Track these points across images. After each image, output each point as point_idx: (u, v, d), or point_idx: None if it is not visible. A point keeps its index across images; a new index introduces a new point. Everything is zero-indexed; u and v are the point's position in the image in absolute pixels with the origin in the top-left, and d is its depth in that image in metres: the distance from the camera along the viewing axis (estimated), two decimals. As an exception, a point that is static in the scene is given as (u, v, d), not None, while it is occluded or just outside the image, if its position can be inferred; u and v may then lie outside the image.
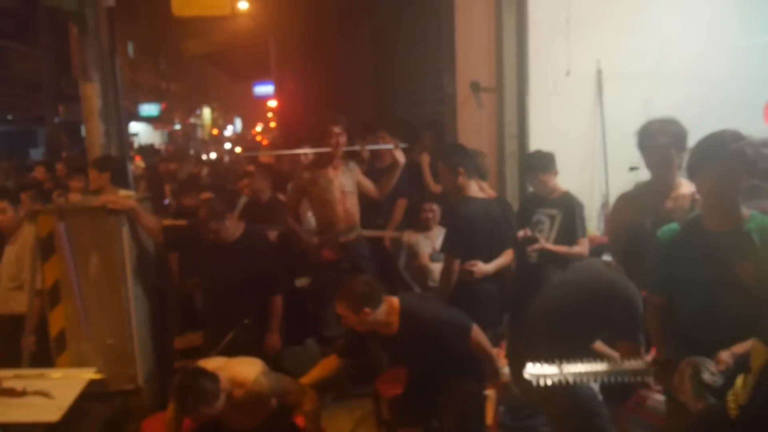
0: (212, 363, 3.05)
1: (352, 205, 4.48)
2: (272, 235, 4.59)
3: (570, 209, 4.00)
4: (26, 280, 4.32)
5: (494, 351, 3.25)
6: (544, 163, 4.06)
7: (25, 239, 4.34)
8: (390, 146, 4.65)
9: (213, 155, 20.63)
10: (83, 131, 5.18)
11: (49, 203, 4.65)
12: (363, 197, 4.59)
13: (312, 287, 4.70)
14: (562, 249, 3.92)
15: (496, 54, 4.96)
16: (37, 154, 19.51)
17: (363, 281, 3.07)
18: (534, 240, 3.91)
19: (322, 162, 4.47)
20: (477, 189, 3.79)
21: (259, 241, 4.01)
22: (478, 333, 3.11)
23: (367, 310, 2.94)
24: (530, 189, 4.52)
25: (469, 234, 3.60)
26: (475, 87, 5.19)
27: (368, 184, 4.63)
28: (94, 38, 4.62)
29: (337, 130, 4.33)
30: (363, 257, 4.51)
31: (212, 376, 2.82)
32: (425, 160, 5.25)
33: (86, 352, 3.84)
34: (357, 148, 4.77)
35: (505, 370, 3.16)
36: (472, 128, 5.32)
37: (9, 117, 21.46)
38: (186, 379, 2.85)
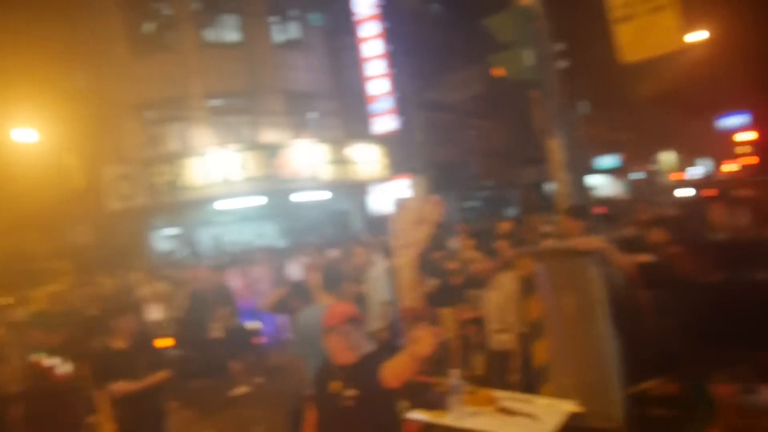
0: None
1: None
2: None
3: None
4: (510, 323, 4.99)
5: None
6: None
7: (504, 285, 5.04)
8: None
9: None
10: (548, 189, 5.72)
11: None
12: None
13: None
14: None
15: None
16: (511, 212, 22.26)
17: None
18: None
19: None
20: None
21: (743, 284, 3.60)
22: None
23: None
24: None
25: None
26: None
27: None
28: (553, 99, 5.13)
29: None
30: None
31: None
32: None
33: (566, 385, 4.12)
34: None
35: None
36: None
37: (489, 183, 25.25)
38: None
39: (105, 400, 4.42)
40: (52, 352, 7.63)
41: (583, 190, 5.17)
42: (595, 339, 3.94)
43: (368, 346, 3.12)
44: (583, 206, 5.13)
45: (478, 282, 5.46)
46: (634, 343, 4.20)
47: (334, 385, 3.06)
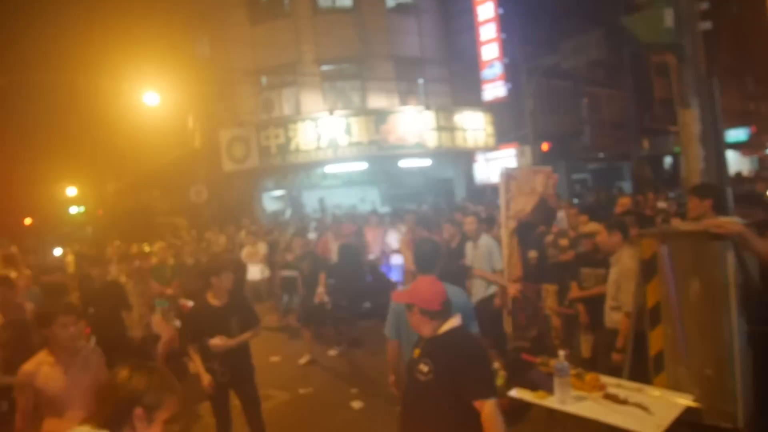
0: None
1: None
2: None
3: None
4: (623, 302, 4.69)
5: None
6: None
7: (624, 263, 4.72)
8: None
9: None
10: (665, 162, 5.26)
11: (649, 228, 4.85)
12: None
13: None
14: None
15: None
16: (623, 187, 21.03)
17: None
18: None
19: None
20: None
21: None
22: None
23: None
24: None
25: None
26: None
27: None
28: (691, 65, 4.64)
29: None
30: None
31: None
32: None
33: (682, 377, 3.81)
34: None
35: None
36: None
37: (600, 155, 23.95)
38: None
39: (196, 352, 4.64)
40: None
41: (719, 167, 4.63)
42: (720, 330, 3.58)
43: (454, 322, 3.01)
44: (713, 185, 4.66)
45: (595, 260, 5.17)
46: (763, 339, 3.80)
47: (416, 352, 3.06)
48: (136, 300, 7.01)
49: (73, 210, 43.09)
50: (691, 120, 4.49)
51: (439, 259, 4.09)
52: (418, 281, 3.27)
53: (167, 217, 19.90)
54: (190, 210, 18.10)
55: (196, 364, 4.66)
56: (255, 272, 10.90)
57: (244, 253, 11.08)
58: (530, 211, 6.60)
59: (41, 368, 3.34)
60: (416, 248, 4.25)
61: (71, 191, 41.24)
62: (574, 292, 5.59)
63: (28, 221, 43.41)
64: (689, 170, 4.60)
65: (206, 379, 4.56)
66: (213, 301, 4.68)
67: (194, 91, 17.20)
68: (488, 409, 2.75)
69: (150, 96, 13.93)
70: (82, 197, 41.16)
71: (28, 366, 3.34)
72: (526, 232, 6.92)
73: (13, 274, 7.48)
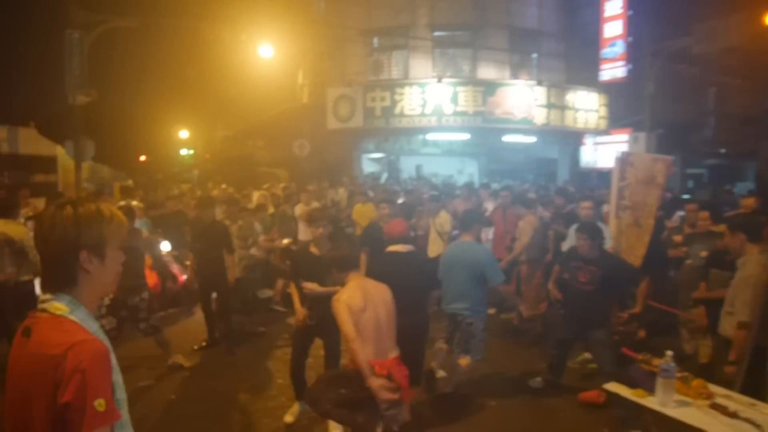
0: None
1: None
2: None
3: None
4: (738, 310, 4.31)
5: None
6: None
7: (748, 268, 4.33)
8: None
9: None
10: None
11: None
12: None
13: None
14: None
15: None
16: (743, 188, 19.41)
17: None
18: None
19: None
20: None
21: None
22: None
23: None
24: None
25: None
26: None
27: None
28: None
29: None
30: None
31: None
32: None
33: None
34: None
35: None
36: None
37: (722, 150, 22.19)
38: None
39: (295, 290, 4.94)
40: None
41: None
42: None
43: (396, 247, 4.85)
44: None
45: (725, 262, 4.79)
46: None
47: None
48: (237, 243, 7.30)
49: (183, 152, 45.70)
50: None
51: (477, 224, 5.50)
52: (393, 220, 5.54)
53: (269, 167, 20.57)
54: (291, 163, 18.59)
55: (294, 300, 4.94)
56: (307, 233, 9.80)
57: (296, 210, 10.17)
58: (657, 203, 6.03)
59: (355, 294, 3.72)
60: (462, 215, 5.86)
61: (183, 134, 43.65)
62: (701, 292, 5.23)
63: (142, 158, 46.54)
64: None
65: (301, 313, 4.82)
66: (313, 249, 4.99)
67: (307, 47, 17.46)
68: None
69: (265, 48, 14.25)
70: (193, 141, 43.45)
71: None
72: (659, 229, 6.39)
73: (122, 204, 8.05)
